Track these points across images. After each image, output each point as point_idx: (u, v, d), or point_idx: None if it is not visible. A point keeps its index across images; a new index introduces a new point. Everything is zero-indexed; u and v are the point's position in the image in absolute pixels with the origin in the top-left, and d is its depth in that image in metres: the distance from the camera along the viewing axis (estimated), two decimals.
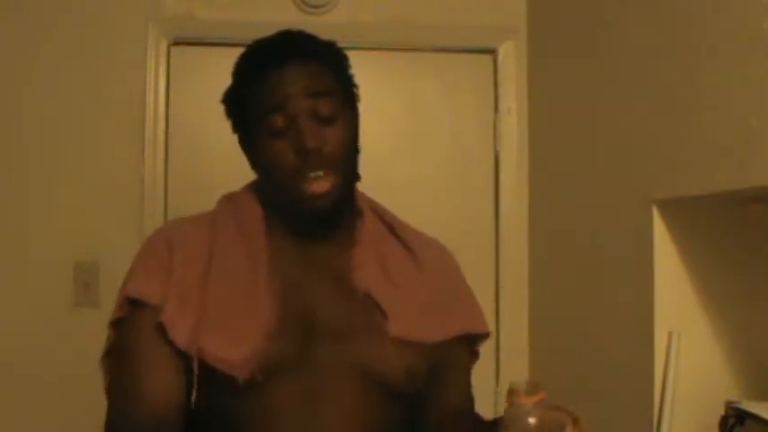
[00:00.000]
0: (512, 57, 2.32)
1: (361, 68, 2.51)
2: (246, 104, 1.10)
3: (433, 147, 2.31)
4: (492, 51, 2.33)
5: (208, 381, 1.02)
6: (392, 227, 1.20)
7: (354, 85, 1.18)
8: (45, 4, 2.19)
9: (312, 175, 1.05)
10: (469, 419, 1.18)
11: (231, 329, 1.03)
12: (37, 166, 2.17)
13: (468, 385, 1.23)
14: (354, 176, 1.16)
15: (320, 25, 2.28)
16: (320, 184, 1.05)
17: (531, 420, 0.91)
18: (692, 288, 1.54)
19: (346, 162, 1.10)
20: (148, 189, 2.18)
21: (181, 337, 1.02)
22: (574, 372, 1.99)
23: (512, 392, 0.93)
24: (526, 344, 2.27)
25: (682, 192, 1.44)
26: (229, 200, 1.18)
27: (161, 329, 1.03)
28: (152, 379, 1.03)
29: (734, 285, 1.54)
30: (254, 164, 1.13)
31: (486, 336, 1.24)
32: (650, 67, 1.58)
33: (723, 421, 1.36)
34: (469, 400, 1.23)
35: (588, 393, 1.91)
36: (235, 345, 1.02)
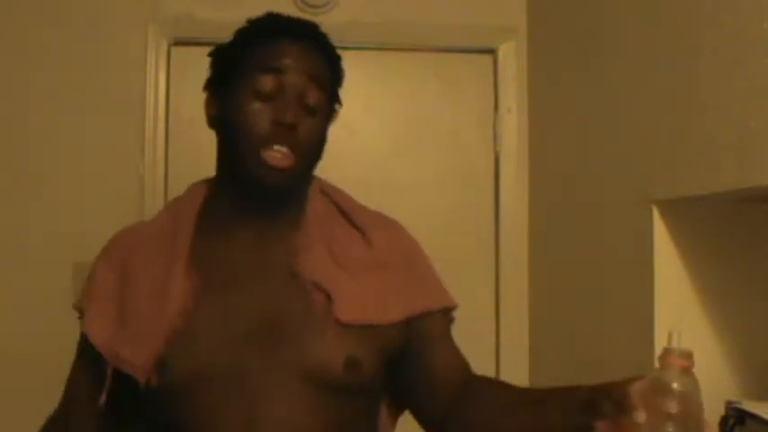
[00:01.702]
0: (512, 57, 2.32)
1: (362, 68, 2.53)
2: (240, 60, 1.07)
3: (433, 147, 2.31)
4: (492, 51, 2.33)
5: (135, 385, 1.03)
6: (342, 209, 1.17)
7: (339, 96, 1.17)
8: (45, 5, 2.19)
9: (277, 147, 1.03)
10: (480, 379, 1.13)
11: (139, 331, 1.03)
12: (37, 166, 2.17)
13: (458, 352, 1.17)
14: (312, 172, 1.15)
15: (320, 25, 2.30)
16: (282, 158, 1.03)
17: (675, 386, 0.81)
18: (692, 288, 1.54)
19: (312, 153, 1.09)
20: (148, 189, 2.18)
21: (99, 339, 1.06)
22: (574, 372, 1.99)
23: (665, 352, 0.83)
24: (526, 344, 2.27)
25: (682, 192, 1.43)
26: (173, 201, 1.19)
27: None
28: (80, 396, 1.12)
29: (734, 285, 1.54)
30: (222, 121, 1.09)
31: (451, 309, 1.18)
32: (650, 67, 1.58)
33: (723, 421, 1.36)
34: (466, 364, 1.16)
35: None
36: (139, 346, 1.02)
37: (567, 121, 2.08)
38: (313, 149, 1.09)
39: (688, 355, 0.83)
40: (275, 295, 1.05)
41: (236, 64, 1.08)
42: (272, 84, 1.04)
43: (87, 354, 1.11)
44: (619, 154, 1.72)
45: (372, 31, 2.28)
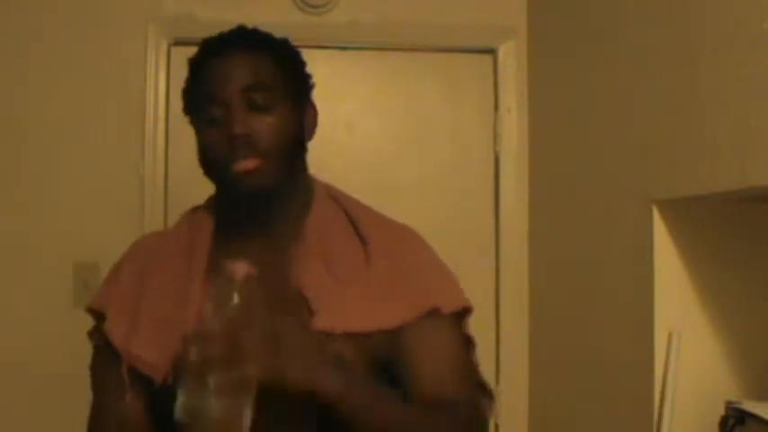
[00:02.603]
0: (512, 57, 2.32)
1: (361, 68, 2.52)
2: (194, 97, 1.12)
3: (433, 147, 2.31)
4: (492, 51, 2.33)
5: (149, 385, 1.07)
6: (351, 218, 1.17)
7: (306, 81, 1.17)
8: (45, 4, 2.19)
9: (241, 161, 1.06)
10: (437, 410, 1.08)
11: (156, 333, 1.07)
12: (37, 166, 2.17)
13: (448, 367, 1.12)
14: (294, 168, 1.14)
15: (320, 25, 2.30)
16: (246, 163, 1.06)
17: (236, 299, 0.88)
18: (692, 288, 1.54)
19: (279, 151, 1.09)
20: (148, 189, 2.18)
21: (118, 341, 1.10)
22: (574, 372, 1.99)
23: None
24: (526, 344, 2.27)
25: (682, 192, 1.43)
26: (192, 211, 1.22)
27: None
28: (111, 401, 1.12)
29: (734, 285, 1.54)
30: (198, 153, 1.13)
31: (464, 311, 1.16)
32: (650, 67, 1.58)
33: (723, 421, 1.36)
34: (452, 386, 1.11)
35: (588, 393, 1.90)
36: (155, 347, 1.06)
37: (567, 121, 2.08)
38: (278, 146, 1.09)
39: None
40: (271, 302, 1.06)
41: (191, 98, 1.13)
42: (217, 108, 1.07)
43: (111, 359, 1.12)
44: (619, 154, 1.72)
45: (372, 31, 2.27)
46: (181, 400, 0.87)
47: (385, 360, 1.10)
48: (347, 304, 1.08)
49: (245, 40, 1.12)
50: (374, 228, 1.16)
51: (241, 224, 1.14)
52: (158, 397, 1.07)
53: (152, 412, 1.12)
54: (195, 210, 1.22)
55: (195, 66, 1.13)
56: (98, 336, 1.15)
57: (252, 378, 0.88)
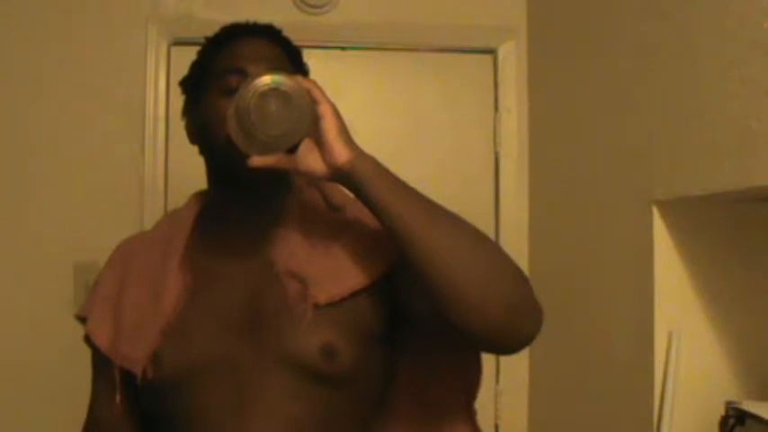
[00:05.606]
0: (512, 57, 2.32)
1: (362, 68, 2.52)
2: (205, 73, 1.10)
3: (432, 147, 2.31)
4: (492, 51, 2.33)
5: (134, 382, 1.06)
6: (325, 196, 1.16)
7: None
8: (45, 4, 2.19)
9: None
10: None
11: (136, 328, 1.07)
12: (37, 166, 2.17)
13: None
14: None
15: (320, 25, 2.30)
16: None
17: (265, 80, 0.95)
18: (692, 288, 1.54)
19: None
20: (148, 189, 2.18)
21: (103, 343, 1.10)
22: (574, 372, 1.99)
23: None
24: None
25: (682, 192, 1.44)
26: (173, 210, 1.22)
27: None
28: (100, 405, 1.15)
29: (734, 285, 1.54)
30: (198, 130, 1.10)
31: None
32: (650, 67, 1.58)
33: (723, 421, 1.36)
34: None
35: (588, 393, 1.91)
36: (136, 342, 1.05)
37: (567, 121, 2.08)
38: None
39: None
40: (256, 287, 1.07)
41: (203, 74, 1.11)
42: (236, 80, 1.05)
43: (99, 364, 1.14)
44: (619, 154, 1.72)
45: (372, 31, 2.27)
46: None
47: (402, 298, 1.07)
48: (336, 269, 1.06)
49: (272, 33, 1.14)
50: (342, 195, 1.15)
51: (228, 201, 1.12)
52: (142, 393, 1.07)
53: (137, 410, 1.12)
54: (177, 209, 1.21)
55: (219, 39, 1.12)
56: (88, 341, 1.15)
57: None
